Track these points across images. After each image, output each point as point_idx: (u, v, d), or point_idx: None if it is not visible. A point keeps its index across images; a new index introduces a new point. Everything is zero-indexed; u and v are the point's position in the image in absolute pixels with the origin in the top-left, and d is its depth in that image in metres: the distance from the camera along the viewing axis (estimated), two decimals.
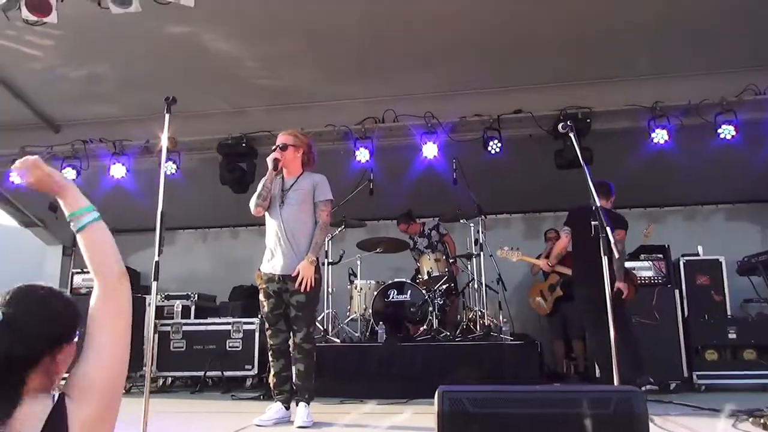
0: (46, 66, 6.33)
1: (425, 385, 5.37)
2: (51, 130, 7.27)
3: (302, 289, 3.93)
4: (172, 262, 8.73)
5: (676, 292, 6.07)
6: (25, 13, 4.43)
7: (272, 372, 4.14)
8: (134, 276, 6.89)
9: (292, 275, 3.96)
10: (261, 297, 4.16)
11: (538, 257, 6.49)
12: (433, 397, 3.92)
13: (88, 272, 6.31)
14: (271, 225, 4.18)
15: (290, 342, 4.10)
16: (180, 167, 7.02)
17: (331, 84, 6.60)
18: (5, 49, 5.96)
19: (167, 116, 3.56)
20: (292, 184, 4.21)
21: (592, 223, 3.13)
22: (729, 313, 6.15)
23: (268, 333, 4.15)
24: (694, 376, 5.79)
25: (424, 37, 5.74)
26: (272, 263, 4.10)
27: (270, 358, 4.17)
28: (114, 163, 6.95)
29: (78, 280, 6.80)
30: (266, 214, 4.22)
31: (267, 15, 5.31)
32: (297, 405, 4.00)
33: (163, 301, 7.27)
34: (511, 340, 5.80)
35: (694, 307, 6.12)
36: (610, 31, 5.55)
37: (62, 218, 5.95)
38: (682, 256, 6.42)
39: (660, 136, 6.04)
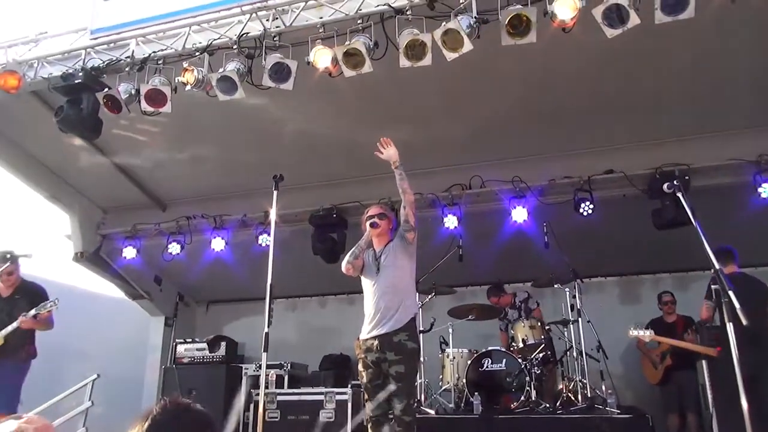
0: (155, 151, 6.91)
1: None
2: (159, 208, 7.85)
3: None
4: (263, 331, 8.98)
5: None
6: (144, 106, 4.89)
7: None
8: (232, 346, 7.09)
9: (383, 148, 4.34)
10: (360, 367, 4.18)
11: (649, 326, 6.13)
12: None
13: (189, 341, 6.63)
14: (369, 291, 4.26)
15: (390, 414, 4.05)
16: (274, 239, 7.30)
17: (417, 153, 6.73)
18: (119, 137, 6.56)
19: (275, 193, 3.75)
20: (383, 251, 4.34)
21: (713, 287, 2.92)
22: None
23: (367, 404, 4.13)
24: None
25: (509, 102, 5.81)
26: (370, 328, 4.15)
27: (370, 430, 4.12)
28: (215, 237, 7.35)
29: (181, 349, 7.10)
30: (364, 283, 4.31)
31: (356, 89, 5.55)
32: None
33: (257, 371, 7.40)
34: (618, 413, 5.43)
35: None
36: (704, 86, 5.40)
37: (165, 291, 6.34)
38: None
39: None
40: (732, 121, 5.83)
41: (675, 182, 3.53)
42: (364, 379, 4.13)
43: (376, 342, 4.07)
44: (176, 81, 4.81)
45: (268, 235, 7.13)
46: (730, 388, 4.11)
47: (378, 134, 6.42)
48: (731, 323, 2.94)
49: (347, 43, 4.37)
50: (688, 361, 6.14)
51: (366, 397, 4.15)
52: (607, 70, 5.26)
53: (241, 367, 7.04)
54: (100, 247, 7.93)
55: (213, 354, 6.95)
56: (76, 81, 4.93)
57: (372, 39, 4.38)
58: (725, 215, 6.06)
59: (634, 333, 5.68)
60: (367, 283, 4.32)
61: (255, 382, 7.19)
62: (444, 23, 4.13)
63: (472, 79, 5.36)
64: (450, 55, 4.16)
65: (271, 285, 3.82)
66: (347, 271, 4.30)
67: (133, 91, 4.92)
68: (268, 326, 3.64)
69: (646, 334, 5.67)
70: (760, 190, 5.74)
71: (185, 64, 4.74)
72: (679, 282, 7.63)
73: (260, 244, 7.25)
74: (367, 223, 4.37)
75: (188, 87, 4.72)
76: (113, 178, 7.34)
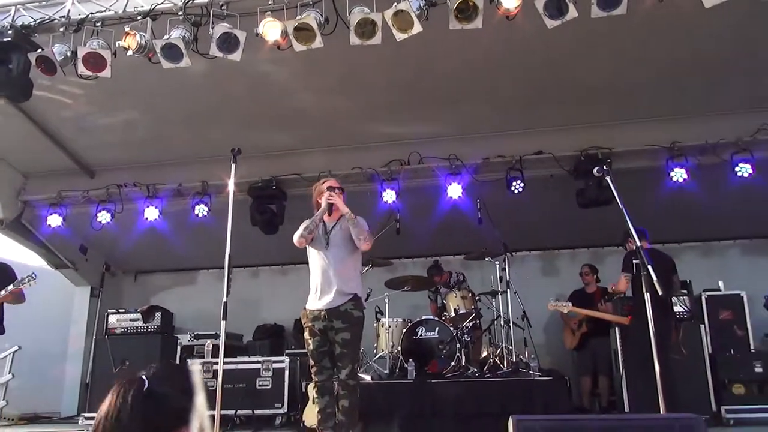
0: (81, 113, 6.59)
1: (457, 421, 5.55)
2: (87, 175, 7.53)
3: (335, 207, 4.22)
4: (194, 301, 8.90)
5: (701, 327, 6.17)
6: (81, 69, 4.69)
7: (317, 408, 4.26)
8: (168, 316, 7.03)
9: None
10: (306, 335, 4.32)
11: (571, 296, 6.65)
12: None
13: (122, 312, 6.51)
14: (317, 264, 4.37)
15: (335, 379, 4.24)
16: (211, 209, 7.21)
17: (358, 127, 6.86)
18: (44, 99, 6.21)
19: (233, 166, 3.76)
20: (334, 226, 4.43)
21: (634, 261, 3.27)
22: (752, 347, 6.24)
23: (313, 370, 4.29)
24: (723, 410, 5.84)
25: (449, 82, 6.00)
26: (318, 299, 4.29)
27: (315, 395, 4.30)
28: (148, 206, 7.18)
29: (113, 320, 6.95)
30: (311, 254, 4.42)
31: (302, 60, 5.51)
32: None
33: (192, 341, 7.39)
34: (540, 376, 5.89)
35: (718, 342, 6.21)
36: (627, 75, 5.80)
37: (91, 260, 6.19)
38: (704, 291, 6.54)
39: (678, 174, 6.26)
40: (650, 110, 6.32)
41: (605, 167, 3.86)
42: (311, 346, 4.28)
43: (323, 312, 4.23)
44: (116, 45, 4.63)
45: (205, 205, 7.11)
46: (639, 353, 4.61)
47: (323, 105, 6.49)
48: (648, 293, 3.31)
49: (298, 17, 4.38)
50: (602, 328, 6.71)
51: (312, 363, 4.31)
52: (544, 58, 5.53)
53: (176, 338, 6.99)
54: (22, 214, 7.55)
55: (147, 324, 6.86)
56: (5, 39, 4.66)
57: (323, 14, 4.41)
58: (641, 196, 6.59)
59: (553, 305, 6.11)
60: (314, 255, 4.42)
61: (190, 352, 7.19)
62: (395, 4, 4.22)
63: (418, 58, 5.49)
64: (400, 36, 4.27)
65: (230, 255, 3.85)
66: (300, 244, 4.38)
67: (68, 53, 4.69)
68: (227, 296, 3.69)
69: (564, 306, 6.12)
70: (671, 174, 6.29)
71: (127, 28, 4.57)
72: (595, 256, 8.23)
73: (196, 215, 7.15)
74: (326, 196, 4.39)
75: (129, 52, 4.56)
76: (36, 142, 6.94)
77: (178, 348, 7.04)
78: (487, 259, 6.82)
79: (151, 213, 7.16)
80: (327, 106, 6.49)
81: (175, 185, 7.22)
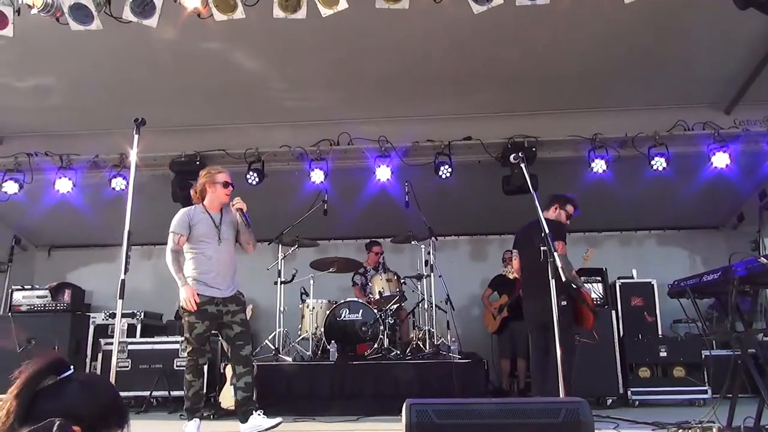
0: None
1: (376, 403, 5.57)
2: None
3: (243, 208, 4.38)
4: (113, 279, 8.49)
5: (613, 312, 6.42)
6: None
7: (192, 391, 4.24)
8: (79, 294, 6.69)
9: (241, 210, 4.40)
10: (195, 318, 4.25)
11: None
12: (383, 415, 4.13)
13: (28, 288, 6.13)
14: (208, 255, 4.34)
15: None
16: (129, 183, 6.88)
17: (287, 105, 6.69)
18: None
19: (136, 137, 3.58)
20: (221, 218, 4.46)
21: (542, 248, 3.34)
22: (660, 332, 6.55)
23: (195, 355, 4.28)
24: (629, 392, 6.12)
25: (380, 64, 5.93)
26: (215, 288, 4.31)
27: (191, 378, 4.26)
28: (60, 177, 6.78)
29: (18, 297, 6.56)
30: (199, 244, 4.38)
31: (229, 34, 5.30)
32: (250, 415, 4.13)
33: (106, 320, 7.06)
34: (459, 359, 5.99)
35: (628, 327, 6.49)
36: (555, 66, 5.90)
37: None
38: (618, 278, 6.81)
39: (599, 165, 6.46)
40: (576, 101, 6.48)
41: (520, 154, 3.90)
42: (198, 330, 4.23)
43: (219, 298, 4.29)
44: (20, 2, 4.29)
45: (123, 178, 6.80)
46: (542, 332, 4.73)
47: (253, 80, 6.27)
48: (554, 279, 3.39)
49: None
50: (521, 312, 6.88)
51: (195, 346, 4.26)
52: (476, 44, 5.52)
53: (89, 316, 6.69)
54: None
55: (56, 302, 6.51)
56: None
57: None
58: (565, 185, 6.73)
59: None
60: (204, 245, 4.36)
61: (104, 331, 6.88)
62: None
63: (353, 39, 5.40)
64: (325, 11, 4.16)
65: (129, 231, 3.66)
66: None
67: None
68: (125, 273, 3.52)
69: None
70: (593, 165, 6.48)
71: None
72: None
73: (113, 188, 6.83)
74: (236, 206, 4.44)
75: (34, 10, 4.23)
76: None
77: (91, 327, 6.73)
78: (413, 242, 6.85)
79: (64, 185, 6.77)
80: (257, 81, 6.29)
81: (91, 156, 6.85)
